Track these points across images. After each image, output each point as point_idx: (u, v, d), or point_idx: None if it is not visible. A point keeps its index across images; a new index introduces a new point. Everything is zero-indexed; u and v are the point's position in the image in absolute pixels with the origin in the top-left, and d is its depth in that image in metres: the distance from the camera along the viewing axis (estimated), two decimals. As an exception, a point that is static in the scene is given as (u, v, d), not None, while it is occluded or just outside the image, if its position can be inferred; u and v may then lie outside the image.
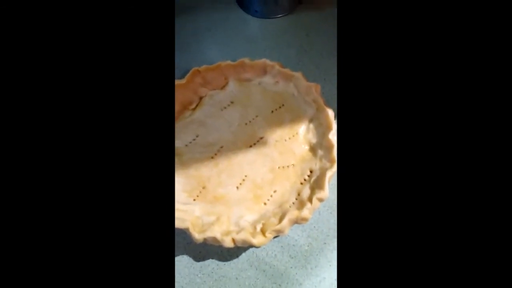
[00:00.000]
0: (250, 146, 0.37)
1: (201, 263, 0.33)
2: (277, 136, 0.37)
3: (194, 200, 0.34)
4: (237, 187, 0.35)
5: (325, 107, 0.35)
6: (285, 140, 0.37)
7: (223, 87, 0.41)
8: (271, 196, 0.34)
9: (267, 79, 0.40)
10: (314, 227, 0.34)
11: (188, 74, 0.39)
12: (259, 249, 0.34)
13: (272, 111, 0.39)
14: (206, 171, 0.36)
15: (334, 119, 0.35)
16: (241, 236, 0.30)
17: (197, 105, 0.40)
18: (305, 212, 0.30)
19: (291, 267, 0.33)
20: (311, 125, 0.37)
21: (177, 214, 0.32)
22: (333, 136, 0.34)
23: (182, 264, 0.33)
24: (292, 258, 0.33)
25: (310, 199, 0.31)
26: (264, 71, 0.40)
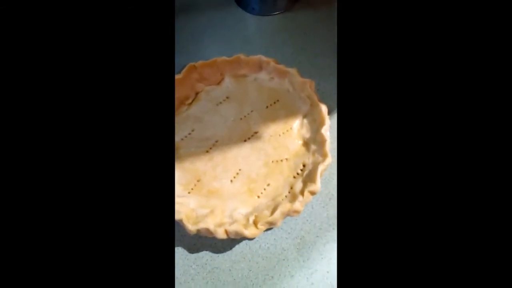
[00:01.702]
0: (245, 141, 0.37)
1: (195, 254, 0.34)
2: (272, 131, 0.38)
3: (189, 193, 0.35)
4: (232, 181, 0.35)
5: (318, 103, 0.36)
6: (279, 135, 0.37)
7: (219, 83, 0.42)
8: (265, 189, 0.34)
9: (263, 75, 0.41)
10: (307, 220, 0.35)
11: (184, 69, 0.39)
12: (252, 241, 0.34)
13: (267, 107, 0.39)
14: (201, 165, 0.36)
15: (327, 115, 0.36)
16: (233, 228, 0.30)
17: (193, 100, 0.41)
18: (297, 205, 0.30)
19: (284, 259, 0.33)
20: (305, 121, 0.37)
21: (171, 206, 0.32)
22: (326, 131, 0.34)
23: (177, 255, 0.34)
24: (285, 250, 0.34)
25: (302, 192, 0.32)
26: (259, 67, 0.41)
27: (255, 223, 0.31)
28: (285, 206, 0.31)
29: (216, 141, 0.38)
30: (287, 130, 0.37)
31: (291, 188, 0.33)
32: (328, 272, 0.32)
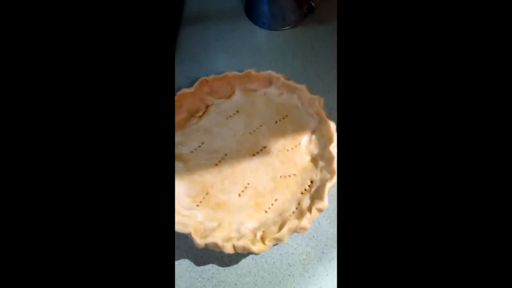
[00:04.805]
0: (253, 155, 0.38)
1: (201, 267, 0.34)
2: (280, 146, 0.38)
3: (198, 205, 0.35)
4: (239, 194, 0.36)
5: (327, 119, 0.37)
6: (288, 150, 0.38)
7: (229, 97, 0.42)
8: (272, 204, 0.35)
9: (272, 90, 0.41)
10: (313, 236, 0.35)
11: (196, 83, 0.40)
12: (258, 256, 0.34)
13: (276, 122, 0.40)
14: (210, 177, 0.37)
15: (336, 132, 0.36)
16: (241, 243, 0.30)
17: (203, 113, 0.42)
18: (304, 222, 0.31)
19: (289, 275, 0.33)
20: (313, 137, 0.38)
21: (180, 219, 0.33)
22: (334, 148, 0.34)
23: (183, 267, 0.34)
24: (291, 266, 0.34)
25: (309, 209, 0.32)
26: (269, 82, 0.41)
27: (262, 239, 0.31)
28: (292, 223, 0.31)
29: (225, 155, 0.38)
30: (296, 146, 0.38)
31: (299, 204, 0.34)
32: (333, 289, 0.32)
